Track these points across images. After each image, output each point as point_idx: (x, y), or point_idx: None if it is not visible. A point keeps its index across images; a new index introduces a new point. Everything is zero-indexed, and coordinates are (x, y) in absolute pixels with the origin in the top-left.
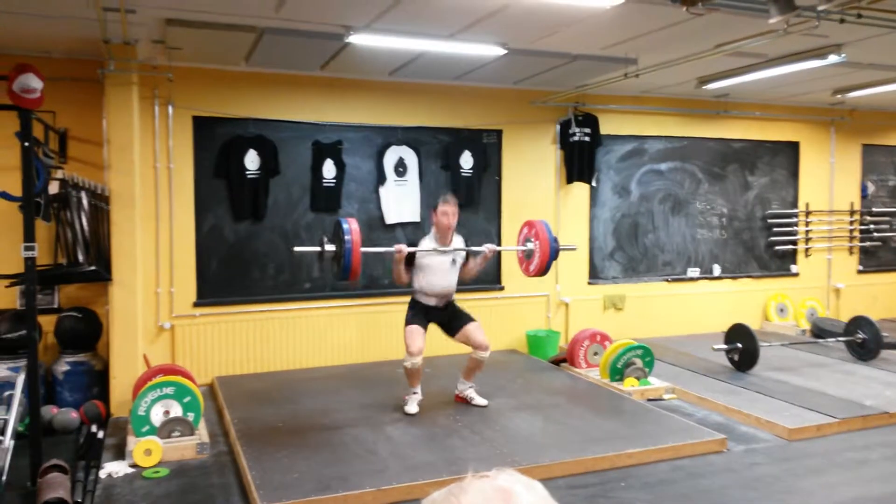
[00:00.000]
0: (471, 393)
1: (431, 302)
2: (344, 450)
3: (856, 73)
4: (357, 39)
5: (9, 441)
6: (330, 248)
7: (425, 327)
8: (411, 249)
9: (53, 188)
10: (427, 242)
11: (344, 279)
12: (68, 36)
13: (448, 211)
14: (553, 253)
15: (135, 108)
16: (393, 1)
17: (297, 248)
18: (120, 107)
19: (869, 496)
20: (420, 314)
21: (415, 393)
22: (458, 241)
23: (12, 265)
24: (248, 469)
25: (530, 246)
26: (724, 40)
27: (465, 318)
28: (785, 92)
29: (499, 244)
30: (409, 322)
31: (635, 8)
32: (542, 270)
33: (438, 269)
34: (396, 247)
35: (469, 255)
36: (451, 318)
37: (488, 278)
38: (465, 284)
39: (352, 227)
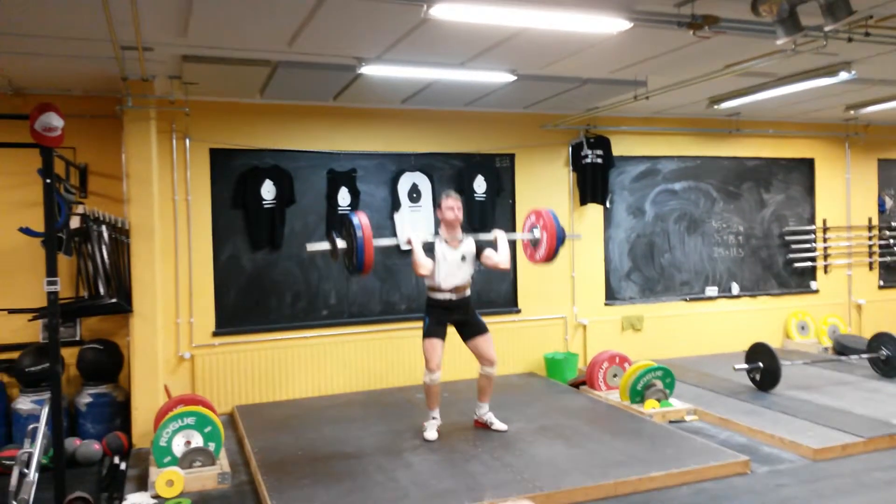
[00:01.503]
0: (490, 417)
1: (446, 297)
2: (365, 478)
3: (867, 90)
4: (369, 70)
5: (33, 474)
6: (341, 244)
7: (444, 335)
8: (422, 240)
9: (74, 223)
10: (437, 242)
11: (358, 273)
12: (88, 74)
13: (453, 205)
14: (560, 240)
15: (153, 142)
16: (403, 32)
17: (309, 246)
18: (138, 141)
19: None
20: (437, 320)
21: (434, 418)
22: (468, 242)
23: (35, 299)
24: (269, 499)
25: (536, 234)
26: (733, 61)
27: (479, 328)
28: (797, 109)
29: (515, 269)
30: (427, 334)
31: (642, 32)
32: (549, 257)
33: (449, 264)
34: (406, 238)
35: (480, 250)
36: (466, 321)
37: (504, 301)
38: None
39: (362, 221)
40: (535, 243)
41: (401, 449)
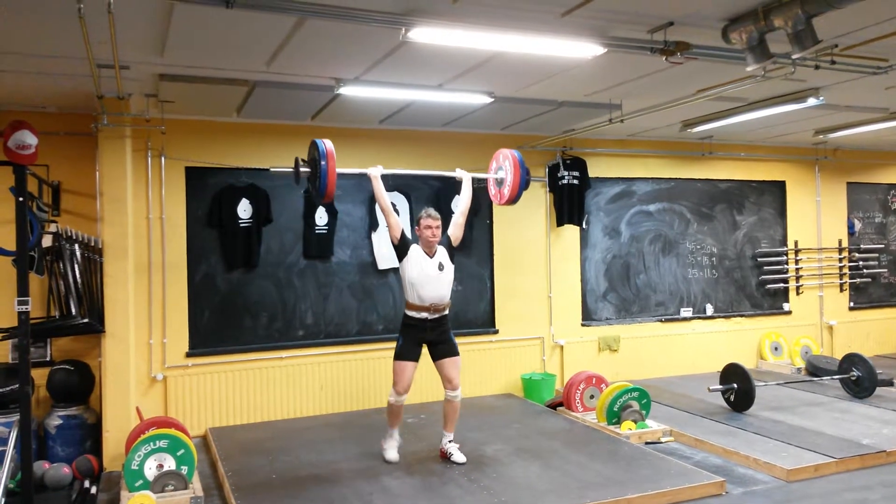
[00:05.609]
0: (451, 448)
1: (423, 315)
2: (340, 502)
3: (835, 115)
4: (347, 91)
5: (0, 499)
6: (305, 169)
7: (417, 357)
8: (386, 171)
9: (47, 241)
10: (413, 246)
11: (321, 198)
12: (63, 91)
13: (431, 224)
14: (524, 181)
15: (128, 160)
16: (382, 55)
17: (273, 168)
18: (113, 159)
19: None
20: (411, 340)
21: (392, 437)
22: (441, 250)
23: (4, 319)
24: None
25: (501, 174)
26: (705, 86)
27: (449, 349)
28: (768, 133)
29: (492, 290)
30: (399, 356)
31: (616, 58)
32: (514, 197)
33: (427, 275)
34: (370, 170)
35: (452, 257)
36: (439, 340)
37: (482, 321)
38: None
39: (327, 148)
40: (500, 183)
41: (378, 472)
